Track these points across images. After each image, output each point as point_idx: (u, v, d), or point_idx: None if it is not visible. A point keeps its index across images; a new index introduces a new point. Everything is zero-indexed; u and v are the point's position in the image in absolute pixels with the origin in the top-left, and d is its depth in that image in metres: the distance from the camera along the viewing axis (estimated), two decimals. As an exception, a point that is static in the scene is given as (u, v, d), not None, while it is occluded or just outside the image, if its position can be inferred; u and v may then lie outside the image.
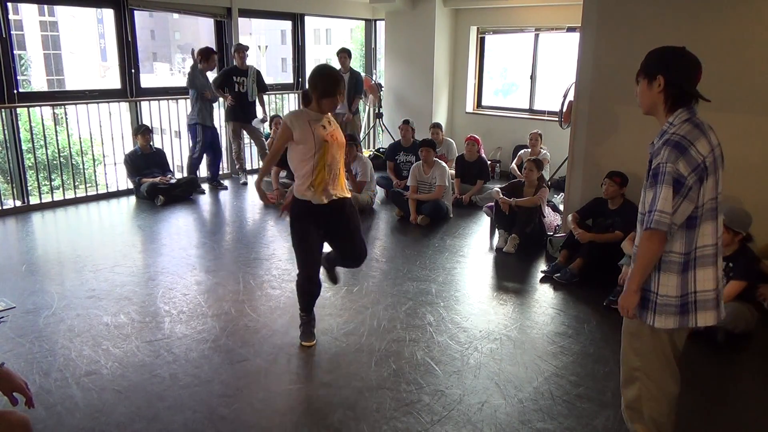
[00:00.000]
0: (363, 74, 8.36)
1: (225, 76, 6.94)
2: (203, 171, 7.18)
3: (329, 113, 3.25)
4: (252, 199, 6.75)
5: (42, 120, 6.46)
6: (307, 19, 8.60)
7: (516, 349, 3.41)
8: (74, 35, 31.73)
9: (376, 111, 8.86)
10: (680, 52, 2.07)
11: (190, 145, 6.96)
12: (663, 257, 2.08)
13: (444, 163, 6.14)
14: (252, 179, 7.52)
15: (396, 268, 4.64)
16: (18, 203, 6.11)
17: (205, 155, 7.00)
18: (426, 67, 8.42)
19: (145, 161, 6.57)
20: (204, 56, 6.66)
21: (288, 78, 8.85)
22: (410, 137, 7.07)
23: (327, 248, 3.46)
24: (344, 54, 7.65)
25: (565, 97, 6.27)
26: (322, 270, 3.54)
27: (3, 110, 5.80)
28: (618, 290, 3.97)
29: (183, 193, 6.52)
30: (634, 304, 2.15)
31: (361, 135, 8.80)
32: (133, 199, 6.59)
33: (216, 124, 7.05)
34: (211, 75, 6.94)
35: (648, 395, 2.29)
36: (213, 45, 7.59)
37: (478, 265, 4.84)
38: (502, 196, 5.25)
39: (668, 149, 1.98)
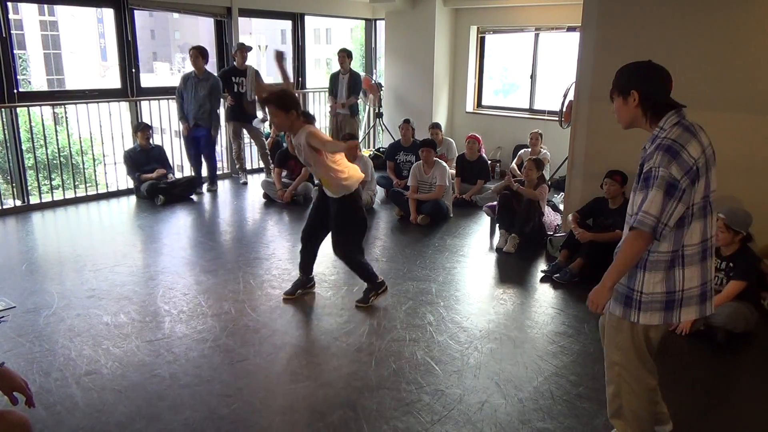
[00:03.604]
0: (363, 74, 8.36)
1: (224, 77, 6.94)
2: (203, 171, 7.16)
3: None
4: (252, 199, 6.75)
5: (42, 120, 6.45)
6: (307, 18, 8.59)
7: (516, 348, 3.41)
8: (74, 35, 31.70)
9: (376, 111, 8.86)
10: (648, 66, 2.13)
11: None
12: (649, 257, 2.12)
13: (444, 163, 6.14)
14: (252, 179, 7.53)
15: (396, 268, 4.64)
16: (18, 203, 6.11)
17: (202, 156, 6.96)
18: (426, 66, 8.42)
19: (145, 157, 6.57)
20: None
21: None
22: (410, 137, 7.07)
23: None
24: (343, 54, 7.64)
25: (565, 96, 6.27)
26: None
27: (3, 110, 5.80)
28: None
29: (183, 193, 6.53)
30: (605, 300, 2.19)
31: (361, 135, 8.80)
32: (133, 198, 6.59)
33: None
34: None
35: (627, 389, 2.35)
36: (213, 44, 7.61)
37: (478, 264, 4.84)
38: (511, 178, 5.36)
39: (660, 154, 2.01)
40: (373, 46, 9.71)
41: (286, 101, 3.51)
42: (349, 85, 7.59)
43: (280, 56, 3.93)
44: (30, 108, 6.65)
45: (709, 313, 2.23)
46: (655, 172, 2.00)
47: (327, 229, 3.91)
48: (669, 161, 1.99)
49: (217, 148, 7.24)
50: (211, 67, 7.20)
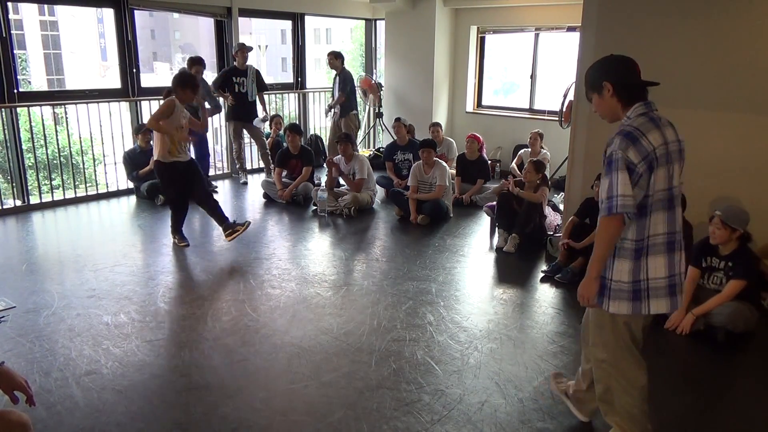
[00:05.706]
0: (363, 74, 8.35)
1: (225, 77, 6.94)
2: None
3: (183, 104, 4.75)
4: (252, 199, 6.75)
5: (42, 119, 6.45)
6: (307, 18, 8.60)
7: (516, 348, 3.42)
8: (74, 35, 31.72)
9: (376, 111, 8.86)
10: (612, 57, 2.25)
11: None
12: (618, 244, 2.17)
13: (444, 163, 6.13)
14: (252, 179, 7.53)
15: (396, 268, 4.64)
16: (18, 203, 6.11)
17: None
18: (426, 66, 8.42)
19: (145, 158, 6.56)
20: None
21: (288, 78, 8.85)
22: (405, 134, 7.04)
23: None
24: (331, 56, 7.76)
25: (565, 96, 6.27)
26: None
27: (3, 110, 5.80)
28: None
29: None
30: (593, 292, 2.22)
31: (361, 135, 8.80)
32: (133, 198, 6.60)
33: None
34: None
35: (618, 387, 2.36)
36: (213, 44, 7.60)
37: (478, 264, 4.84)
38: (512, 182, 5.32)
39: (620, 138, 2.10)
40: (373, 46, 9.71)
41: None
42: (336, 85, 7.69)
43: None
44: (30, 108, 6.65)
45: (680, 306, 2.26)
46: (615, 155, 2.08)
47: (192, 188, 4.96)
48: (627, 146, 2.07)
49: (217, 147, 7.22)
50: (212, 67, 7.20)
